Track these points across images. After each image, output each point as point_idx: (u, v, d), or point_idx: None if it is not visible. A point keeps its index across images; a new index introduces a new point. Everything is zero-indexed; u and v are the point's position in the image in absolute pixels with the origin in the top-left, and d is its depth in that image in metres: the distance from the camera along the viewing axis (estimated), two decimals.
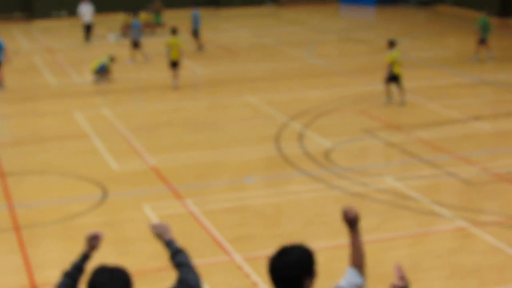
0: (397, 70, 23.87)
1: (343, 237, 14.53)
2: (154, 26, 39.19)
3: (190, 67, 30.19)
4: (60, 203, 16.44)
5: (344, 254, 14.15)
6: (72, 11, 38.94)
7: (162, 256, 13.93)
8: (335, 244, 14.07)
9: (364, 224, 15.52)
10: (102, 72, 27.98)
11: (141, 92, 26.66)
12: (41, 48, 34.94)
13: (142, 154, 19.65)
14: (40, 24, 40.98)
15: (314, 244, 14.35)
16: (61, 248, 14.37)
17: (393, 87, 23.97)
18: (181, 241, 14.77)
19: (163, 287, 12.69)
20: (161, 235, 6.00)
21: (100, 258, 13.84)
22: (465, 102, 23.80)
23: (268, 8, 45.31)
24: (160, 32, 37.99)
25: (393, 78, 23.96)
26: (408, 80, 26.75)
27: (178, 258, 5.81)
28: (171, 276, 13.51)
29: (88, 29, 36.87)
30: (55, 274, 13.54)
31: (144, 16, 38.64)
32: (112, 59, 28.54)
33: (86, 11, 36.73)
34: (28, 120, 23.69)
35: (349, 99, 24.54)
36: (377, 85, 26.06)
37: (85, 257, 5.88)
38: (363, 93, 25.24)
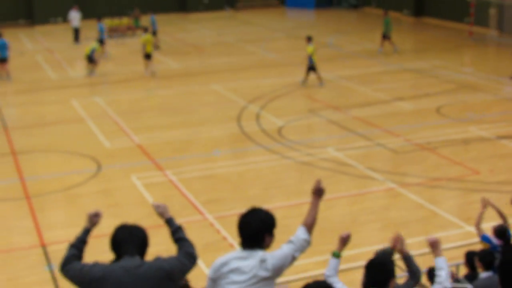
0: (314, 59, 24.09)
1: (294, 199, 14.65)
2: (134, 29, 38.77)
3: (165, 62, 30.01)
4: (62, 176, 16.32)
5: (295, 212, 14.22)
6: (66, 18, 38.41)
7: (147, 218, 13.90)
8: (288, 204, 14.12)
9: (310, 188, 15.54)
10: (93, 55, 27.61)
11: (126, 82, 26.44)
12: (42, 48, 34.48)
13: (129, 133, 19.50)
14: (40, 29, 40.41)
15: (271, 204, 14.43)
16: (64, 212, 14.38)
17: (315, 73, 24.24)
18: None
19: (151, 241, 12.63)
20: (162, 214, 5.90)
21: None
22: (390, 86, 23.91)
23: (227, 12, 45.06)
24: (139, 34, 37.37)
25: (311, 68, 24.16)
26: (343, 68, 26.93)
27: (178, 234, 5.79)
28: (156, 233, 13.46)
29: (76, 32, 36.42)
30: (60, 234, 13.52)
31: (126, 21, 38.21)
32: (99, 41, 28.53)
33: (74, 17, 36.28)
34: (34, 108, 23.39)
35: (296, 85, 24.49)
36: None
37: (87, 231, 5.80)
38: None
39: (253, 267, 5.39)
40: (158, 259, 5.48)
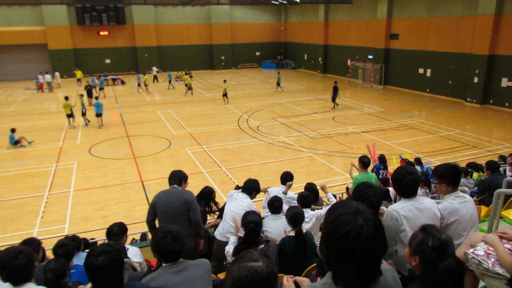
0: (227, 91, 25.35)
1: (264, 160, 14.44)
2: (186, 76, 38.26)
3: (202, 93, 29.69)
4: (151, 147, 16.20)
5: (265, 167, 13.97)
6: (151, 70, 37.94)
7: (193, 168, 13.71)
8: (262, 163, 14.06)
9: (272, 155, 15.28)
10: (190, 85, 28.00)
11: (183, 103, 26.15)
12: (142, 85, 34.02)
13: (184, 127, 19.36)
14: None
15: (254, 162, 14.23)
16: (152, 165, 14.23)
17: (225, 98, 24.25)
18: (202, 163, 14.38)
19: (194, 184, 12.45)
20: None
21: (166, 170, 13.41)
22: (310, 106, 23.82)
23: (233, 70, 44.71)
24: (186, 77, 37.26)
25: (225, 95, 25.18)
26: (287, 98, 26.68)
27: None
28: (196, 177, 13.09)
29: (155, 77, 35.93)
30: (150, 176, 13.30)
31: (183, 73, 37.61)
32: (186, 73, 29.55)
33: (154, 70, 35.88)
34: (138, 114, 23.09)
35: (265, 105, 24.37)
36: (275, 100, 25.94)
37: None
38: (271, 103, 25.06)
39: (249, 202, 5.53)
40: (186, 192, 5.23)
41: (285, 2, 34.76)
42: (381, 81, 31.08)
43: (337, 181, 12.20)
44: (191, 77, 34.42)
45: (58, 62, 38.08)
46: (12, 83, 36.78)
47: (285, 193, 6.03)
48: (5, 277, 2.53)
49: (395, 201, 6.97)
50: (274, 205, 5.17)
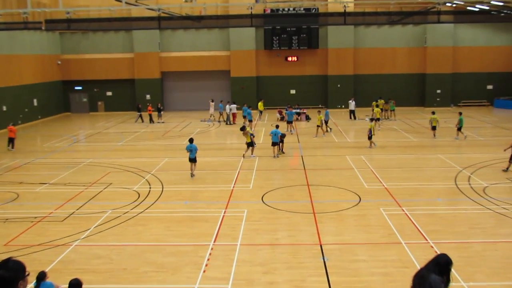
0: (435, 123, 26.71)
1: (495, 239, 13.12)
2: (388, 112, 37.94)
3: (407, 137, 29.07)
4: (336, 202, 16.54)
5: (492, 247, 12.71)
6: (347, 105, 39.28)
7: (387, 236, 13.39)
8: (488, 241, 12.80)
9: (503, 232, 13.79)
10: (370, 133, 26.84)
11: (380, 148, 26.05)
12: (331, 123, 35.16)
13: (380, 180, 19.22)
14: (331, 110, 41.62)
15: (476, 239, 13.13)
16: (335, 226, 14.36)
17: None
18: (399, 230, 13.97)
19: (388, 258, 12.08)
20: None
21: (352, 233, 13.48)
22: None
23: (452, 108, 42.71)
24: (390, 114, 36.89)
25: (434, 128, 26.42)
26: None
27: None
28: (393, 249, 12.73)
29: (351, 113, 36.96)
30: (331, 239, 13.58)
31: (381, 103, 37.70)
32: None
33: (350, 103, 37.08)
34: (322, 158, 24.07)
35: (497, 160, 22.25)
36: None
37: None
38: (505, 157, 22.73)
39: None
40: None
41: None
42: None
43: None
44: (393, 104, 34.61)
45: (239, 91, 43.08)
46: (190, 112, 43.19)
47: None
48: None
49: None
50: None
